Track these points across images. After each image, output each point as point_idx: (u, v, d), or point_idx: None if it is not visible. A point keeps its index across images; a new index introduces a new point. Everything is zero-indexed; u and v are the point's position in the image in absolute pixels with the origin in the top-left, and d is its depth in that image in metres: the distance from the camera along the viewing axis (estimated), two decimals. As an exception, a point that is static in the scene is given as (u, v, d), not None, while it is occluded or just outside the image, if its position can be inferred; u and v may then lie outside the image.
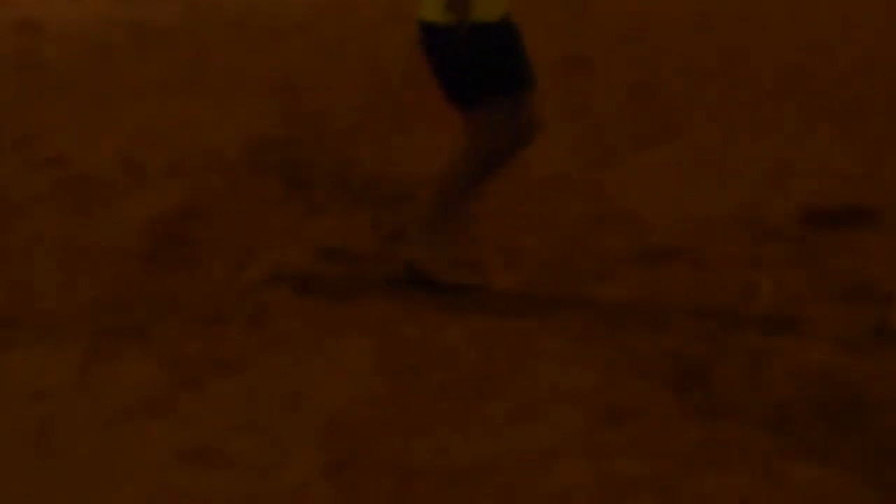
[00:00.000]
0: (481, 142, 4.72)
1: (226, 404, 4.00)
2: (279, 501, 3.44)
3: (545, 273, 5.03)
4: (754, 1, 12.41)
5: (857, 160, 6.36)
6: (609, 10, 13.02)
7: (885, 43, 9.56)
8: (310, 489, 3.48)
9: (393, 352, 4.35)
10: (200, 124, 8.02)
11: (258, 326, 4.63)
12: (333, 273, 5.15)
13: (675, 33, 11.14)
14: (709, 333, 4.38)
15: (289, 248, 5.47)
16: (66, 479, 3.58)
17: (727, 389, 3.95)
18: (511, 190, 6.20)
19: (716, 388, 3.96)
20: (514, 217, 5.78)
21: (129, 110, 8.37)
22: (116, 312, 4.83)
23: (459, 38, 4.51)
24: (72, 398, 4.09)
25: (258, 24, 12.85)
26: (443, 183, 4.78)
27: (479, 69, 4.64)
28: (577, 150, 7.01)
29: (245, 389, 4.11)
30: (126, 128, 7.87)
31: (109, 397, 4.07)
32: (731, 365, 4.11)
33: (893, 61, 8.90)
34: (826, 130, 6.95)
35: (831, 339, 4.26)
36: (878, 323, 4.39)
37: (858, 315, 4.46)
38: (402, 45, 10.74)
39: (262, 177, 6.66)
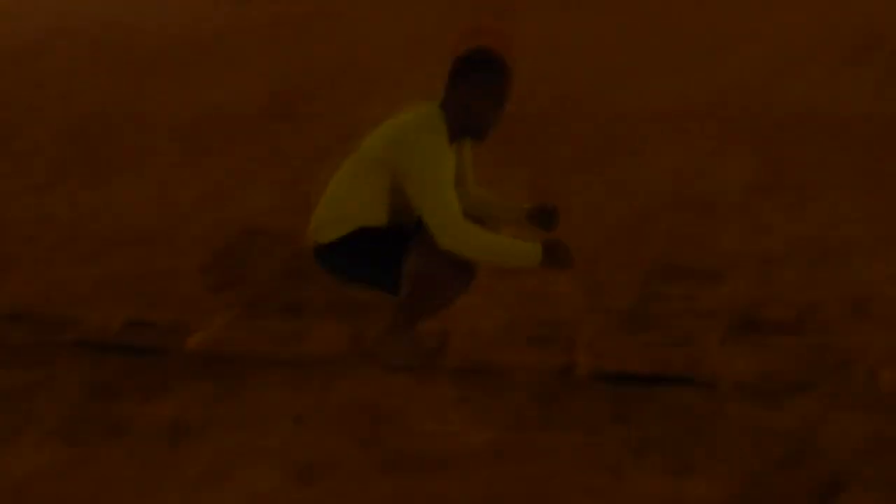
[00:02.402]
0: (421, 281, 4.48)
1: None
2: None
3: (236, 331, 5.02)
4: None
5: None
6: (319, 49, 13.07)
7: (580, 86, 9.92)
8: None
9: (79, 419, 4.23)
10: None
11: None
12: (20, 338, 5.01)
13: (387, 72, 11.31)
14: (402, 384, 4.44)
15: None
16: None
17: (418, 440, 4.00)
18: (213, 238, 6.19)
19: (408, 439, 4.00)
20: (209, 272, 5.75)
21: None
22: None
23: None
24: None
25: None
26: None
27: (361, 273, 4.60)
28: (279, 199, 7.04)
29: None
30: None
31: None
32: (423, 415, 4.17)
33: (586, 103, 9.26)
34: (523, 178, 7.16)
35: (522, 385, 4.37)
36: (564, 367, 4.54)
37: (547, 360, 4.60)
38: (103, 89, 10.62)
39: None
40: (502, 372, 4.53)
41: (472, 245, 4.21)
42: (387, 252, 4.49)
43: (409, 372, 4.50)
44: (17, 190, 7.40)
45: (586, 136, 8.39)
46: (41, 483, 3.80)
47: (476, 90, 4.36)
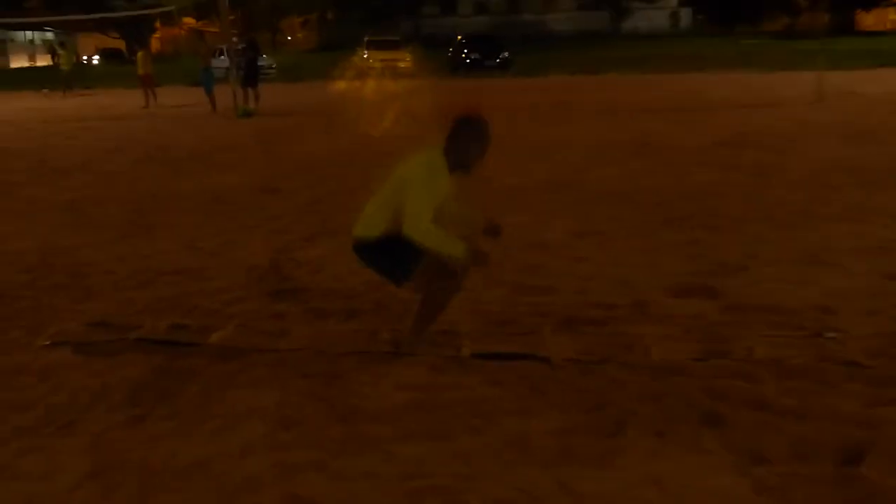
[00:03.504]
0: (430, 297, 4.43)
1: (17, 433, 3.73)
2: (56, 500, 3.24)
3: (243, 331, 4.92)
4: (384, 144, 12.70)
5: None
6: (289, 151, 13.12)
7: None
8: (76, 491, 3.28)
9: (143, 390, 4.13)
10: (7, 237, 7.54)
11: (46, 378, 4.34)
12: (102, 337, 4.87)
13: (333, 165, 11.31)
14: (349, 363, 4.39)
15: (67, 322, 5.17)
16: None
17: (361, 399, 3.97)
18: (225, 271, 6.11)
19: (354, 399, 3.97)
20: (223, 293, 5.68)
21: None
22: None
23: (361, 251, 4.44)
24: None
25: (51, 165, 12.31)
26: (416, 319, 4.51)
27: (381, 265, 4.47)
28: (268, 244, 6.97)
29: (32, 420, 3.84)
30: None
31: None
32: (364, 383, 4.14)
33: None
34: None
35: (426, 365, 4.35)
36: (456, 352, 4.52)
37: (445, 347, 4.57)
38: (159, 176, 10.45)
39: (52, 272, 6.29)
40: (415, 354, 4.49)
41: (425, 237, 4.12)
42: (398, 259, 4.35)
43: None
44: (100, 242, 7.26)
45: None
46: (116, 432, 3.73)
47: (468, 141, 4.33)
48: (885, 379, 4.02)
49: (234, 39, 21.80)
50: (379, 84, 27.13)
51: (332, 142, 13.98)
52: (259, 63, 22.04)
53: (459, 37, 43.02)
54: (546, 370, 4.24)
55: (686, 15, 74.79)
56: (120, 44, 64.44)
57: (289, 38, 78.50)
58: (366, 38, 40.81)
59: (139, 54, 24.36)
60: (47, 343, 4.80)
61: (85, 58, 56.56)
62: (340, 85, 27.96)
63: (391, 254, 4.36)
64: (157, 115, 20.76)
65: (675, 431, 3.59)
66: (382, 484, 3.26)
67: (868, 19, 68.62)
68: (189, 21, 67.50)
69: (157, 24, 65.42)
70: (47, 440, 3.67)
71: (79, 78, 32.37)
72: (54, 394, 4.14)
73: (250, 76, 20.39)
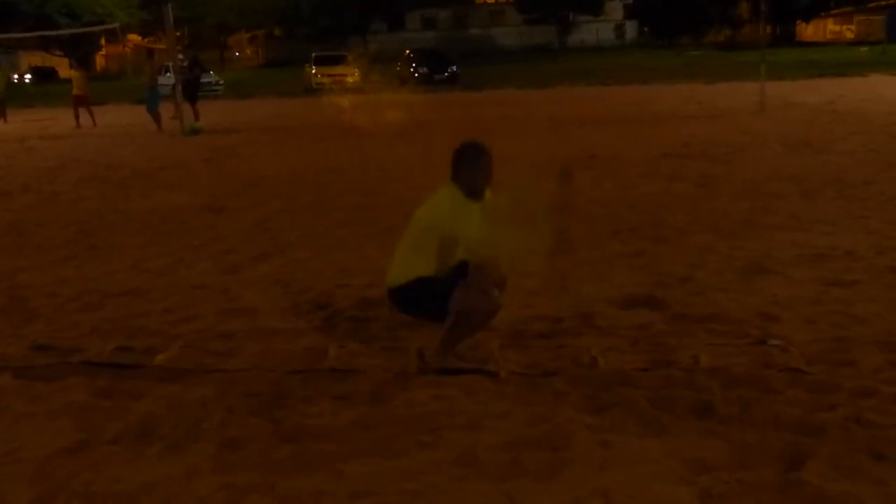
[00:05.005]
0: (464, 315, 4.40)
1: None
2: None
3: (187, 352, 4.87)
4: (332, 160, 12.68)
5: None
6: (236, 168, 13.04)
7: (405, 188, 9.90)
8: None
9: (86, 412, 4.07)
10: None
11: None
12: (44, 361, 4.78)
13: (281, 183, 11.23)
14: (294, 382, 4.36)
15: (7, 347, 5.08)
16: None
17: (304, 418, 3.93)
18: (172, 291, 6.04)
19: (300, 418, 3.93)
20: (169, 314, 5.61)
21: None
22: None
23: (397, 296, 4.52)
24: None
25: (-6, 187, 12.15)
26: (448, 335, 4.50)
27: (419, 310, 4.54)
28: (215, 264, 6.91)
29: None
30: None
31: None
32: (304, 401, 4.12)
33: (409, 197, 9.27)
34: (375, 246, 7.12)
35: (374, 379, 4.34)
36: (403, 367, 4.52)
37: (394, 362, 4.58)
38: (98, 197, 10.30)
39: (-8, 296, 6.19)
40: (362, 371, 4.48)
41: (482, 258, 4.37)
42: (435, 297, 4.38)
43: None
44: (43, 263, 7.15)
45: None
46: (61, 459, 3.65)
47: (471, 170, 4.47)
48: (825, 385, 4.10)
49: (181, 57, 21.54)
50: (327, 100, 27.07)
51: (279, 159, 13.91)
52: (204, 79, 21.89)
53: (408, 52, 43.20)
54: (494, 384, 4.25)
55: (631, 28, 75.81)
56: (55, 62, 63.14)
57: (237, 54, 78.11)
58: (313, 55, 40.80)
59: (77, 74, 23.76)
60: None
61: (16, 77, 54.78)
62: (289, 101, 27.85)
63: (430, 296, 4.42)
64: (104, 133, 20.50)
65: (621, 442, 3.61)
66: None
67: (808, 30, 70.17)
68: (134, 38, 66.84)
69: (103, 42, 64.61)
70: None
71: (13, 98, 30.88)
72: (-7, 420, 4.06)
73: (191, 92, 20.29)
